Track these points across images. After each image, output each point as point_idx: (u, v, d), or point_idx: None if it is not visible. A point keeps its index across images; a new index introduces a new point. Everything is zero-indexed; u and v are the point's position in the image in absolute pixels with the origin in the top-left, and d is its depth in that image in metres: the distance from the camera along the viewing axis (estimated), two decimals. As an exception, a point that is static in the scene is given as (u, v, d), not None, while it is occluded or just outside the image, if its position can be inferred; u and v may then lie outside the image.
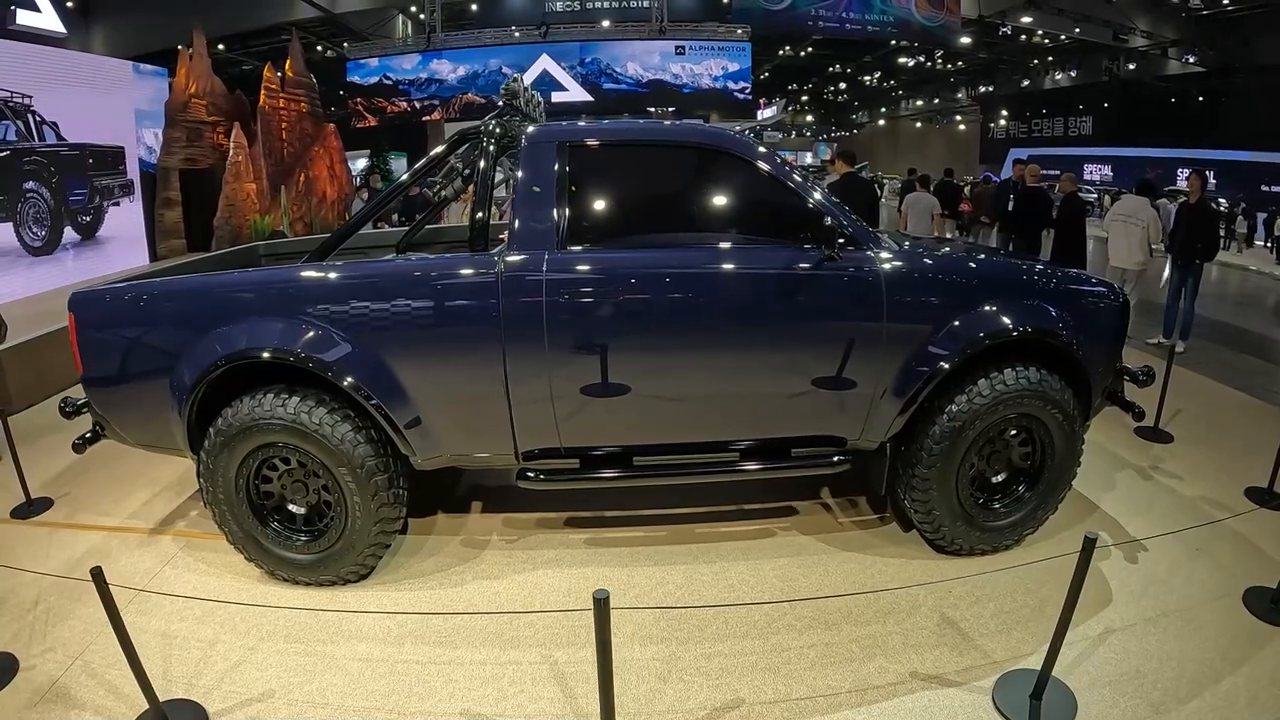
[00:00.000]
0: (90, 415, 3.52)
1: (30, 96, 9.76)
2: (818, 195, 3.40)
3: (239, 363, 3.15)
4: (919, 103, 44.60)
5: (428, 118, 20.62)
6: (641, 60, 20.41)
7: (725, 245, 3.37)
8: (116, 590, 2.47)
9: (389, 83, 20.37)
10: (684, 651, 3.04)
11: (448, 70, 20.24)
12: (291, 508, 3.43)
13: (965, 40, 23.95)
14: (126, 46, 16.32)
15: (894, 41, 26.93)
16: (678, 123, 3.72)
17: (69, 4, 15.84)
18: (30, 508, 4.32)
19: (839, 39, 25.73)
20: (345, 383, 3.12)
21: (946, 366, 3.28)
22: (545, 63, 20.04)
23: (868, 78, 39.44)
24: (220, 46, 22.17)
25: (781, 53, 33.53)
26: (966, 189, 15.23)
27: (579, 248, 3.25)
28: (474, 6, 21.97)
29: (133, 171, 12.04)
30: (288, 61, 14.88)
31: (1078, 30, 23.85)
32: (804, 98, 48.12)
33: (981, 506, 3.57)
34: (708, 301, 3.26)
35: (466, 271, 3.20)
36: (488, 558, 3.70)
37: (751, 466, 3.48)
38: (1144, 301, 9.18)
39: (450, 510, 4.17)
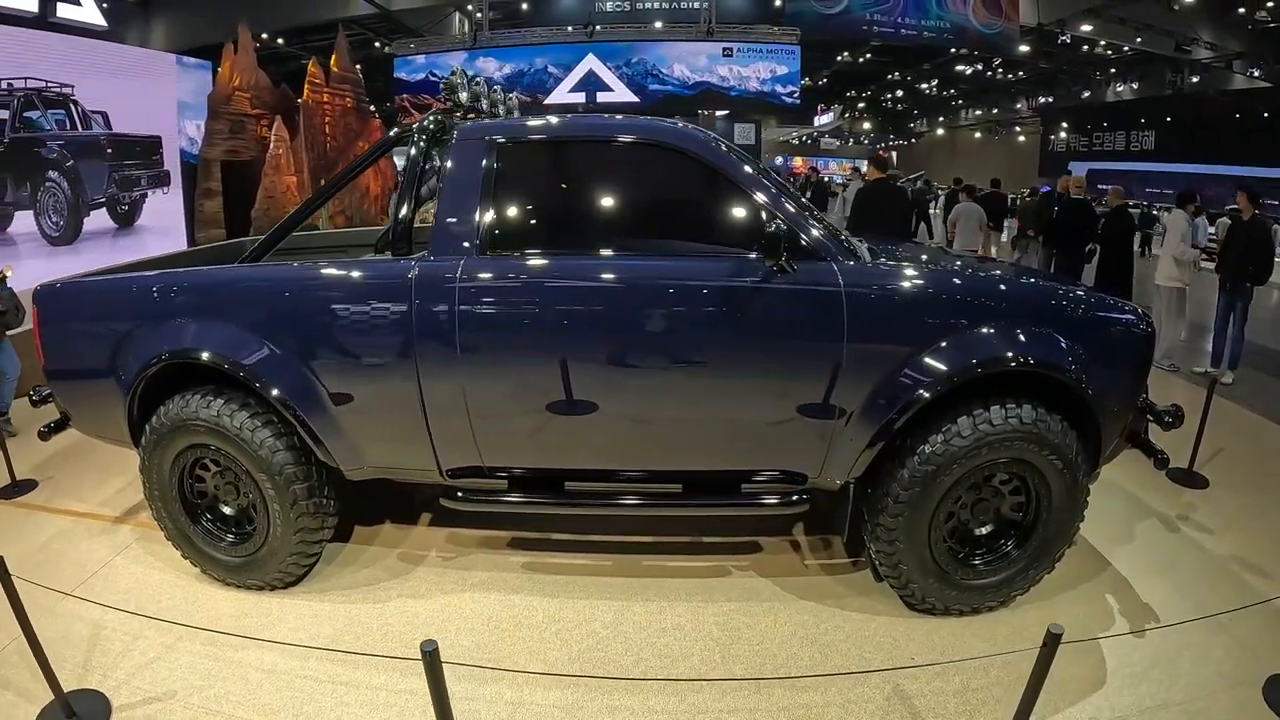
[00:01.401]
0: (55, 405, 3.53)
1: (71, 86, 9.76)
2: (778, 200, 2.97)
3: (175, 362, 3.08)
4: (977, 112, 43.14)
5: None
6: (688, 62, 20.00)
7: (664, 254, 3.01)
8: (66, 577, 3.18)
9: (435, 79, 20.32)
10: (590, 701, 2.70)
11: (494, 68, 20.10)
12: (224, 509, 3.35)
13: (1024, 48, 22.90)
14: (186, 40, 16.53)
15: (954, 49, 26.00)
16: (626, 118, 3.37)
17: (131, -1, 16.09)
18: (15, 489, 4.39)
19: (897, 45, 24.97)
20: (272, 394, 3.00)
21: (926, 395, 2.82)
22: (591, 62, 19.78)
23: (925, 85, 38.26)
24: (280, 41, 22.45)
25: (840, 58, 32.72)
26: (1016, 200, 14.47)
27: (501, 254, 2.97)
28: (524, 5, 21.84)
29: (173, 162, 12.02)
30: (333, 56, 14.85)
31: (1139, 40, 22.55)
32: (861, 105, 47.00)
33: (960, 562, 3.09)
34: (638, 317, 2.92)
35: (381, 277, 3.01)
36: (419, 575, 3.49)
37: (695, 502, 3.12)
38: (1193, 324, 8.46)
39: (399, 520, 3.95)
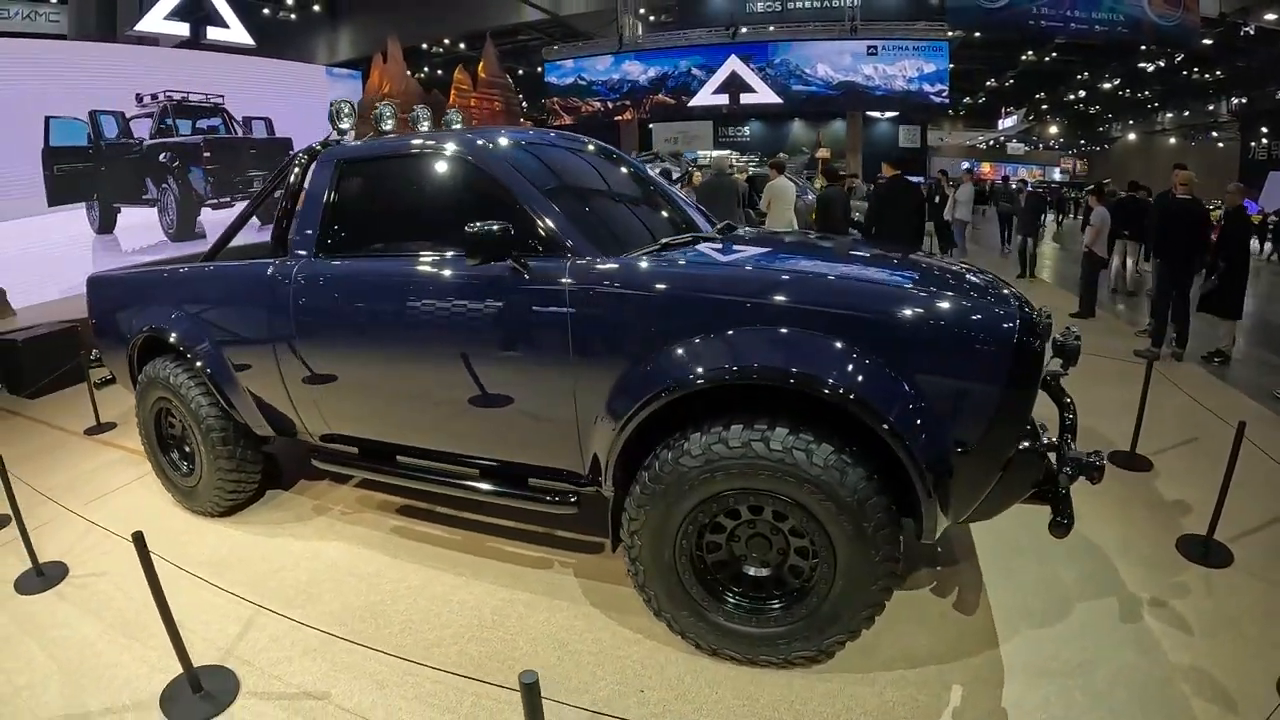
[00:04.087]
0: (105, 365, 4.43)
1: (222, 97, 10.54)
2: (538, 204, 2.88)
3: (152, 335, 3.80)
4: (1169, 115, 37.68)
5: (619, 117, 20.53)
6: (832, 61, 18.84)
7: (431, 256, 3.06)
8: (92, 491, 4.29)
9: (583, 83, 20.48)
10: (340, 655, 2.76)
11: (639, 71, 19.99)
12: (186, 448, 3.98)
13: (1206, 41, 19.57)
14: (356, 49, 17.53)
15: (1144, 45, 22.77)
16: (433, 132, 3.61)
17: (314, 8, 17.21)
18: (99, 428, 5.39)
19: (1084, 44, 22.26)
20: (208, 372, 3.61)
21: (641, 410, 2.46)
22: (734, 64, 19.14)
23: (1108, 84, 33.86)
24: (461, 46, 23.45)
25: (1024, 57, 29.73)
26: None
27: (327, 257, 3.32)
28: (676, 6, 21.41)
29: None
30: (481, 63, 15.31)
31: (1332, 30, 18.62)
32: (1044, 107, 42.44)
33: (717, 600, 2.59)
34: (408, 313, 3.05)
35: (251, 276, 3.48)
36: (315, 522, 3.86)
37: (485, 488, 3.12)
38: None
39: (337, 478, 4.25)
